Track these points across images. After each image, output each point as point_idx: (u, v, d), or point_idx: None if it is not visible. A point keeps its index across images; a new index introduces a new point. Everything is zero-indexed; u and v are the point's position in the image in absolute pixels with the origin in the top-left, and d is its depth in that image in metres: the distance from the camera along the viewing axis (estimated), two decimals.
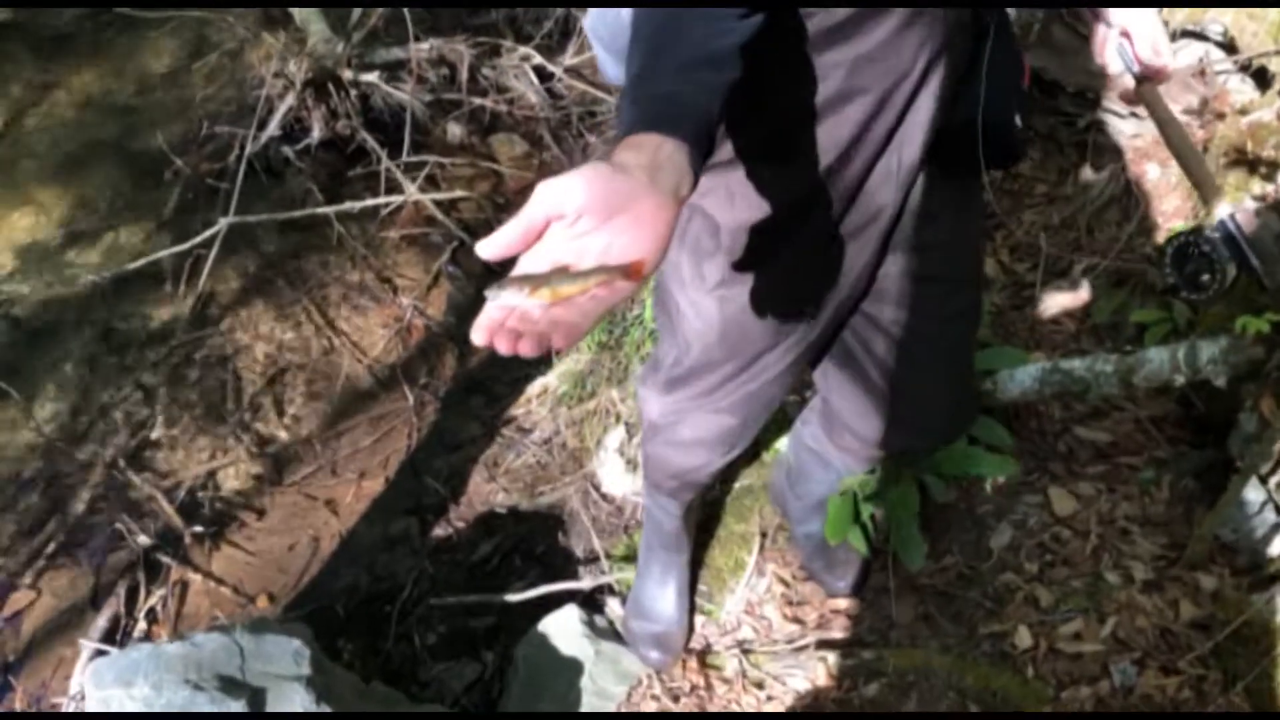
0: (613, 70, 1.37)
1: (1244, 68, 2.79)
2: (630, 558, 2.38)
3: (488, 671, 2.39)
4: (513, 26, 4.11)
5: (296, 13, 3.81)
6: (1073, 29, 2.97)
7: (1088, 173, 2.92)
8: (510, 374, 3.01)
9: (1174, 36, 2.90)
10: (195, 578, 2.64)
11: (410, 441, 2.96)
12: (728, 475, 2.52)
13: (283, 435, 3.00)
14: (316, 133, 3.67)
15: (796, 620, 2.26)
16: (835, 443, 1.98)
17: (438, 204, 3.51)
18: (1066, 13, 2.94)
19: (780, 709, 2.08)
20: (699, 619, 2.30)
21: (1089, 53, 1.53)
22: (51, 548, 2.71)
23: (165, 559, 2.65)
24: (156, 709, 1.75)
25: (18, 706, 2.41)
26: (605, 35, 1.35)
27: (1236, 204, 1.50)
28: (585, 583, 2.46)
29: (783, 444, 2.36)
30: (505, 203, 3.63)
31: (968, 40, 1.32)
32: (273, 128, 3.61)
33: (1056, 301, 2.67)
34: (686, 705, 2.15)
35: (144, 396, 3.07)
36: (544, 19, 4.01)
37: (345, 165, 3.74)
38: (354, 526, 2.75)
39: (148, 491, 2.78)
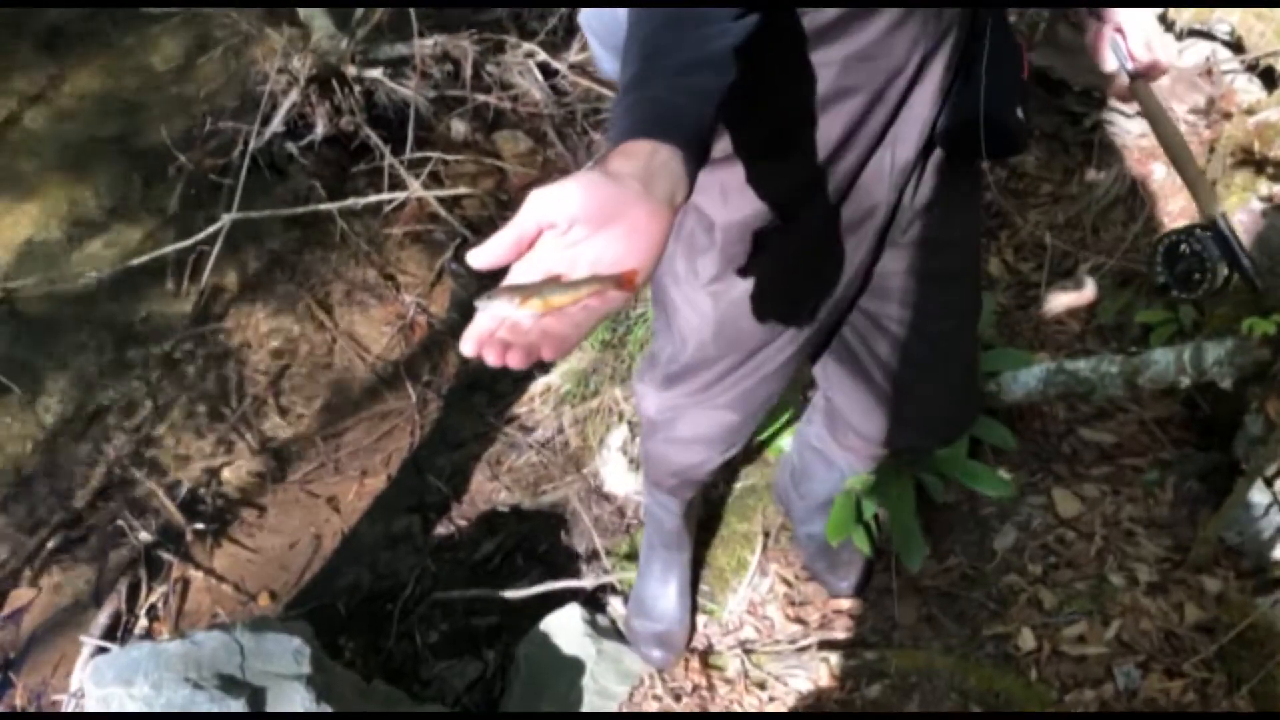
0: (608, 65, 1.37)
1: (1251, 67, 2.78)
2: (633, 557, 2.38)
3: (489, 670, 2.39)
4: (517, 23, 4.10)
5: (301, 9, 3.81)
6: (1079, 28, 2.96)
7: (1093, 172, 2.91)
8: (513, 372, 2.97)
9: (1180, 36, 2.88)
10: (196, 575, 2.64)
11: (413, 439, 2.96)
12: (731, 475, 2.51)
13: (285, 432, 2.99)
14: (320, 129, 3.66)
15: (799, 620, 2.26)
16: (839, 441, 1.98)
17: (441, 201, 3.50)
18: (1070, 12, 2.93)
19: (782, 709, 2.08)
20: (701, 619, 2.29)
21: None
22: (53, 544, 2.71)
23: (166, 556, 2.65)
24: (156, 708, 1.74)
25: (18, 703, 2.41)
26: (600, 30, 1.35)
27: (1242, 204, 1.49)
28: (588, 581, 2.45)
29: (786, 444, 2.35)
30: (509, 200, 3.62)
31: (964, 37, 1.31)
32: (276, 124, 3.60)
33: (1061, 301, 2.66)
34: (688, 705, 2.14)
35: (146, 393, 3.07)
36: (549, 15, 4.00)
37: (349, 162, 3.73)
38: (356, 524, 2.75)
39: (149, 488, 2.77)
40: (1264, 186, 2.40)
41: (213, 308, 3.32)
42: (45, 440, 2.94)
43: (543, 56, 3.84)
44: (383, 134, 3.61)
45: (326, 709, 1.85)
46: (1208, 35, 2.86)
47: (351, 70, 3.64)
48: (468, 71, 3.76)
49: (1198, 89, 2.79)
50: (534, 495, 2.74)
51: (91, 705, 1.80)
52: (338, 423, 3.02)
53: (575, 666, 2.18)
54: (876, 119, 1.29)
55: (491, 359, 0.79)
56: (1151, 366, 2.07)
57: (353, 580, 2.62)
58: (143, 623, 2.55)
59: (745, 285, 1.45)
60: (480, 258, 0.83)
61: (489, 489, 2.78)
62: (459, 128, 3.81)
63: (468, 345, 0.81)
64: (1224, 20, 2.84)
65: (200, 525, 2.70)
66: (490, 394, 3.02)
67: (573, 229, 0.83)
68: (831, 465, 2.10)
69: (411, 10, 3.68)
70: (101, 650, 2.37)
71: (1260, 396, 1.98)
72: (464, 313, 3.28)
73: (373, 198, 3.49)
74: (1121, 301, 2.54)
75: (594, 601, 2.40)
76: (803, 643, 2.19)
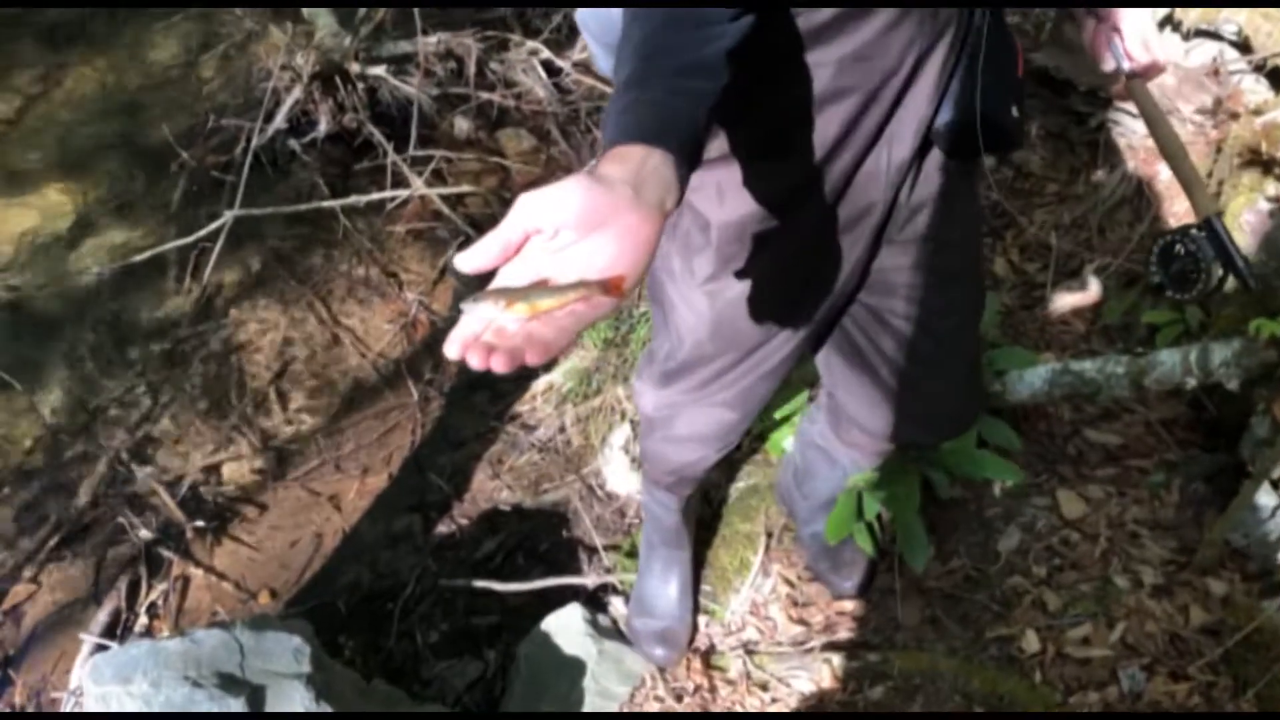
0: (604, 63, 1.37)
1: (1258, 68, 2.77)
2: (634, 556, 2.37)
3: (490, 670, 2.38)
4: (521, 21, 4.09)
5: (305, 7, 3.80)
6: (1079, 27, 2.95)
7: (1099, 172, 2.90)
8: (515, 371, 2.98)
9: (1187, 36, 2.87)
10: (197, 573, 2.63)
11: (414, 438, 2.95)
12: (733, 474, 2.51)
13: (286, 430, 2.99)
14: (323, 126, 3.65)
15: (801, 621, 2.25)
16: (842, 438, 1.98)
17: (444, 199, 3.50)
18: (1070, 10, 2.92)
19: (785, 710, 2.07)
20: (703, 619, 2.28)
21: None
22: (53, 541, 2.70)
23: (167, 553, 2.65)
24: (155, 706, 1.74)
25: (17, 700, 2.41)
26: (595, 28, 1.35)
27: (1250, 204, 1.48)
28: (589, 579, 2.44)
29: (789, 443, 2.34)
30: (512, 198, 3.58)
31: (960, 35, 1.30)
32: (279, 121, 3.60)
33: (1067, 302, 2.65)
34: (690, 706, 2.14)
35: (147, 390, 3.07)
36: (553, 13, 3.99)
37: (351, 159, 3.73)
38: (357, 523, 2.74)
39: (150, 485, 2.77)
40: (1271, 187, 2.39)
41: (214, 305, 3.31)
42: (46, 437, 2.94)
43: (546, 55, 3.84)
44: (386, 131, 3.61)
45: (326, 708, 1.84)
46: (1215, 35, 2.85)
47: (355, 67, 3.64)
48: (471, 69, 3.76)
49: (1204, 89, 2.77)
50: (535, 494, 2.73)
51: (90, 703, 1.79)
52: (339, 421, 3.01)
53: (576, 667, 2.17)
54: (872, 118, 1.28)
55: (475, 363, 0.79)
56: (1158, 367, 2.06)
57: (353, 579, 2.61)
58: (143, 620, 2.54)
59: (742, 284, 1.45)
60: (468, 261, 0.82)
61: (490, 488, 2.77)
62: (462, 125, 3.80)
63: (452, 348, 0.81)
64: (1231, 20, 2.83)
65: (201, 523, 2.69)
66: (492, 392, 3.01)
67: (561, 233, 0.82)
68: (834, 463, 2.09)
69: (415, 8, 3.68)
70: (101, 648, 2.37)
71: (1267, 398, 1.98)
72: None
73: (375, 195, 3.48)
74: (1127, 302, 2.53)
75: (595, 601, 2.39)
76: (805, 644, 2.18)
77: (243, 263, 3.43)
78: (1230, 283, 1.43)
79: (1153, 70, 1.46)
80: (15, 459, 2.89)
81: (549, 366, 2.93)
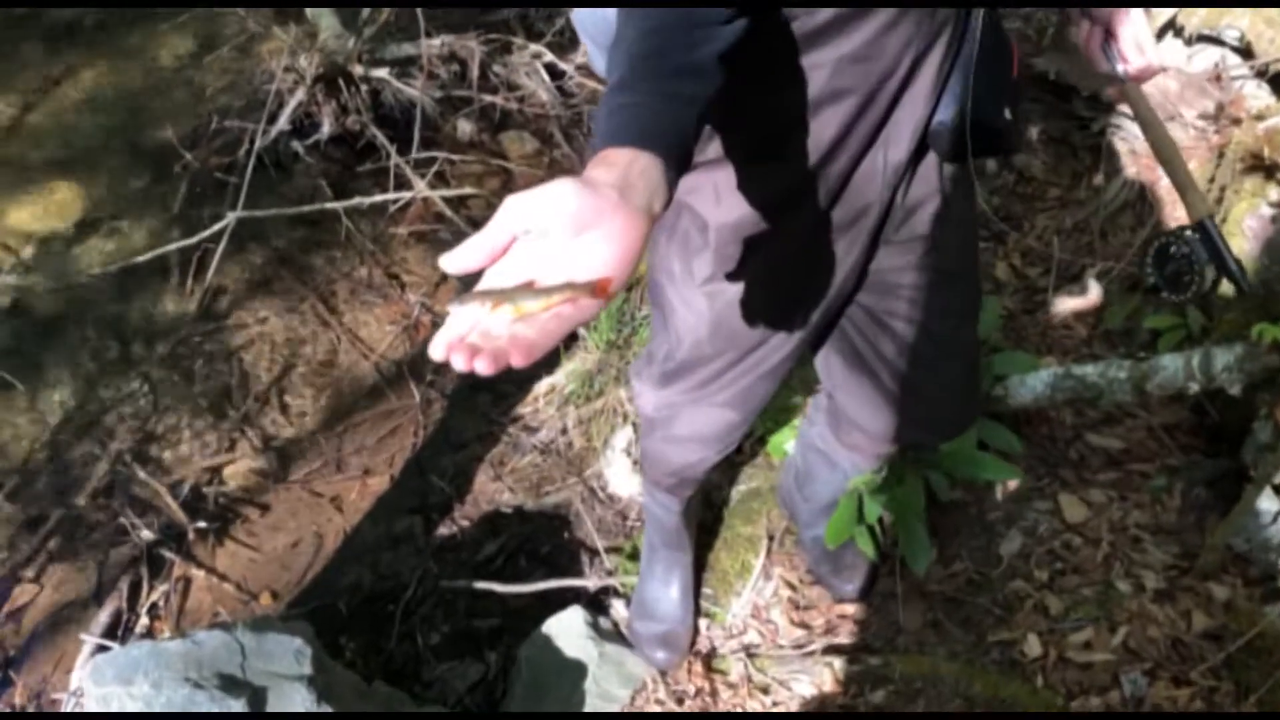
0: (601, 64, 1.37)
1: (1261, 73, 2.78)
2: (635, 558, 2.37)
3: (491, 672, 2.38)
4: (524, 24, 4.10)
5: (308, 8, 3.81)
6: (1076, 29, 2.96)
7: (1101, 177, 2.90)
8: (517, 373, 2.94)
9: (1190, 41, 2.88)
10: (198, 574, 2.63)
11: (416, 439, 2.95)
12: (734, 478, 2.50)
13: (288, 431, 2.99)
14: (326, 128, 3.65)
15: (803, 625, 2.25)
16: (843, 441, 1.98)
17: (447, 201, 3.49)
18: (1065, 12, 2.92)
19: (786, 713, 2.07)
20: (704, 622, 2.28)
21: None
22: (54, 541, 2.70)
23: (168, 555, 2.64)
24: (156, 707, 1.74)
25: (18, 701, 2.40)
26: (592, 29, 1.35)
27: (1252, 209, 1.49)
28: (591, 582, 2.44)
29: (790, 446, 2.34)
30: None
31: (956, 37, 1.30)
32: (282, 122, 3.60)
33: (1069, 306, 2.65)
34: (691, 709, 2.13)
35: (149, 390, 3.06)
36: (555, 16, 4.00)
37: (354, 161, 3.72)
38: (358, 524, 2.74)
39: (152, 486, 2.76)
40: (1273, 192, 2.39)
41: (216, 306, 3.31)
42: (48, 437, 2.94)
43: (549, 57, 3.84)
44: (389, 133, 3.61)
45: (327, 709, 1.84)
46: (1217, 41, 2.85)
47: (358, 70, 3.64)
48: (474, 72, 3.76)
49: (1207, 94, 2.78)
50: (537, 496, 2.73)
51: (91, 704, 1.79)
52: (341, 422, 3.01)
53: (577, 669, 2.17)
54: (869, 120, 1.29)
55: (460, 364, 0.78)
56: (1160, 372, 2.07)
57: (354, 580, 2.61)
58: (144, 621, 2.54)
59: (739, 286, 1.45)
60: (454, 262, 0.82)
61: (492, 490, 2.77)
62: (465, 128, 3.81)
63: (437, 349, 0.80)
64: (1233, 26, 2.83)
65: (202, 524, 2.69)
66: (494, 394, 3.01)
67: (548, 235, 0.82)
68: (835, 466, 2.09)
69: (418, 10, 3.68)
70: (102, 649, 2.37)
71: (1269, 403, 1.98)
72: None
73: (378, 197, 3.48)
74: (1130, 307, 2.53)
75: (596, 604, 2.39)
76: (807, 647, 2.18)
77: (245, 264, 3.43)
78: (1225, 284, 1.44)
79: (1147, 73, 1.46)
80: (16, 459, 2.88)
81: (551, 368, 2.93)
